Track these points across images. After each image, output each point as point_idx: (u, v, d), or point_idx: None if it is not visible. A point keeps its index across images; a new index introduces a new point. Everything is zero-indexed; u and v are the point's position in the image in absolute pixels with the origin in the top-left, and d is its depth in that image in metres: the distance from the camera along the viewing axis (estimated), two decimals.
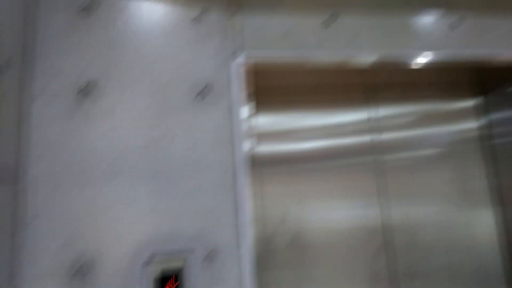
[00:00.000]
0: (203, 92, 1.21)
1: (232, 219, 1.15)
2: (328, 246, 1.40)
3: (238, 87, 1.21)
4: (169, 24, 1.23)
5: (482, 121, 1.58)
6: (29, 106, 1.09)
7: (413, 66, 1.34)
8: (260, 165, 1.43)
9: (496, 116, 1.54)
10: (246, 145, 1.19)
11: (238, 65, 1.23)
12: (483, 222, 1.50)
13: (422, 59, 1.31)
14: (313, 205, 1.42)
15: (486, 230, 1.50)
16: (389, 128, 1.53)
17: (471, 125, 1.58)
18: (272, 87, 1.49)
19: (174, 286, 1.05)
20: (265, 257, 1.37)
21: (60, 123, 1.10)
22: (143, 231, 1.09)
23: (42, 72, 1.12)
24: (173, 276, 1.06)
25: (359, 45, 1.31)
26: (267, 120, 1.47)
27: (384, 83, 1.56)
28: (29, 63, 1.11)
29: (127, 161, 1.11)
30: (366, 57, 1.28)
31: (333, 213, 1.42)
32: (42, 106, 1.10)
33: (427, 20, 1.38)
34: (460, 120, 1.58)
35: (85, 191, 1.07)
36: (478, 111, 1.59)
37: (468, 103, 1.60)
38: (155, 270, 1.05)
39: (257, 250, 1.33)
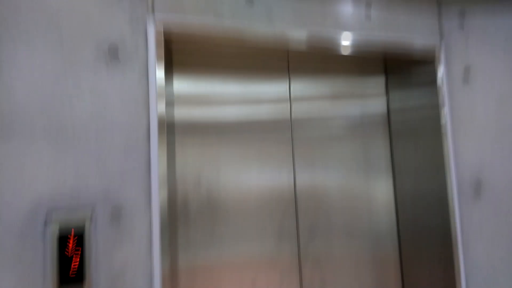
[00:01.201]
0: (114, 51, 1.18)
1: (142, 180, 1.18)
2: (241, 208, 1.49)
3: (153, 48, 1.21)
4: None
5: (388, 97, 1.75)
6: None
7: (330, 47, 1.43)
8: (176, 129, 1.45)
9: (395, 94, 1.71)
10: (161, 108, 1.21)
11: (154, 25, 1.22)
12: (381, 189, 1.69)
13: (342, 41, 1.40)
14: (228, 170, 1.49)
15: (383, 195, 1.69)
16: (305, 98, 1.63)
17: (379, 100, 1.74)
18: (190, 51, 1.49)
19: (75, 244, 1.06)
20: (179, 218, 1.43)
21: None
22: (41, 189, 1.07)
23: None
24: (73, 232, 1.07)
25: (280, 23, 1.36)
26: (184, 84, 1.48)
27: (305, 54, 1.64)
28: None
29: (24, 119, 1.07)
30: (287, 36, 1.34)
31: (246, 177, 1.51)
32: None
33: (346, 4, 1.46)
34: (370, 95, 1.73)
35: None
36: (386, 88, 1.75)
37: (378, 79, 1.75)
38: (54, 228, 1.05)
39: (171, 212, 1.37)
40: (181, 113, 1.46)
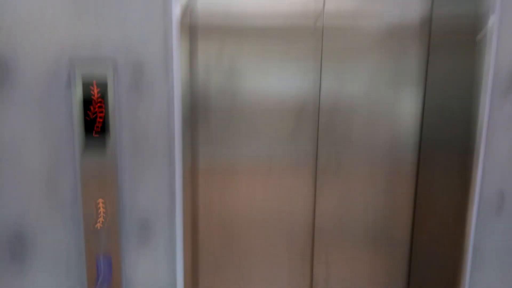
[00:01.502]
0: None
1: (162, 33, 1.13)
2: (263, 109, 1.45)
3: None
4: None
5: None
6: None
7: None
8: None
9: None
10: None
11: None
12: (407, 102, 1.58)
13: None
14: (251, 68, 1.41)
15: (409, 109, 1.59)
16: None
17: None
18: None
19: (98, 92, 1.07)
20: (198, 81, 1.41)
21: None
22: (63, 40, 1.04)
23: None
24: (97, 83, 1.07)
25: None
26: None
27: None
28: None
29: None
30: None
31: (270, 77, 1.43)
32: None
33: None
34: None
35: None
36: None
37: None
38: (78, 75, 1.05)
39: (191, 72, 1.35)
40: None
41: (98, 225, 1.12)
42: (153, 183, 1.19)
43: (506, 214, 1.49)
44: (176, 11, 1.12)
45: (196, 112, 1.41)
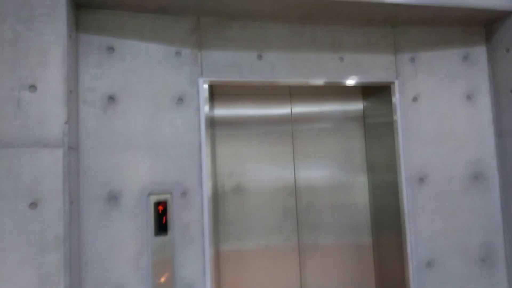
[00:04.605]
0: (181, 98, 2.03)
1: (197, 175, 2.02)
2: (258, 191, 2.30)
3: (203, 95, 2.04)
4: (162, 55, 2.02)
5: (362, 104, 2.47)
6: None
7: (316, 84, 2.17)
8: (217, 139, 2.29)
9: (367, 103, 2.41)
10: (207, 130, 2.04)
11: (202, 81, 2.04)
12: (360, 185, 2.42)
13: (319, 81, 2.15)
14: (248, 163, 2.31)
15: (361, 191, 2.41)
16: (305, 118, 2.39)
17: (357, 107, 2.46)
18: (225, 91, 2.32)
19: (164, 208, 1.94)
20: (218, 197, 2.27)
21: None
22: (145, 179, 1.96)
23: None
24: (162, 202, 1.94)
25: (279, 72, 2.13)
26: (222, 111, 2.32)
27: (299, 88, 2.39)
28: None
29: (136, 139, 1.96)
30: (283, 81, 2.11)
31: (261, 169, 2.32)
32: None
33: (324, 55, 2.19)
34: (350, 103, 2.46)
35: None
36: (363, 103, 2.46)
37: (358, 96, 2.47)
38: (153, 199, 1.94)
39: (213, 193, 2.22)
40: (220, 127, 2.30)
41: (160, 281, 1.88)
42: (192, 260, 1.97)
43: (435, 270, 2.14)
44: (206, 168, 2.03)
45: (217, 207, 2.25)
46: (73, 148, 1.78)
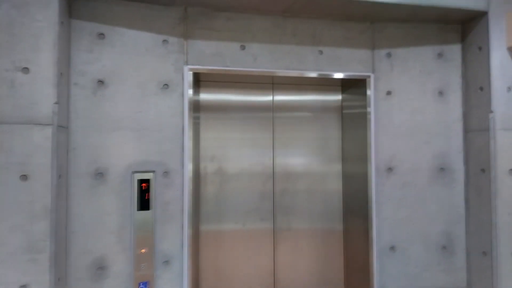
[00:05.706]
0: (167, 85, 2.16)
1: (180, 155, 2.17)
2: (238, 175, 2.45)
3: (187, 81, 2.17)
4: (150, 43, 2.14)
5: (341, 96, 2.61)
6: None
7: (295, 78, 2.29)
8: (201, 122, 2.43)
9: (345, 95, 2.55)
10: (190, 115, 2.17)
11: (187, 70, 2.17)
12: (334, 173, 2.56)
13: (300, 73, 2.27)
14: (231, 148, 2.45)
15: (335, 178, 2.56)
16: (286, 107, 2.53)
17: (335, 98, 2.60)
18: (211, 78, 2.45)
19: (147, 186, 2.09)
20: (200, 178, 2.42)
21: None
22: (130, 159, 2.10)
23: None
24: (146, 180, 2.10)
25: (261, 63, 2.25)
26: (207, 96, 2.45)
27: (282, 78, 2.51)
28: None
29: (123, 121, 2.10)
30: (264, 71, 2.24)
31: (241, 154, 2.46)
32: None
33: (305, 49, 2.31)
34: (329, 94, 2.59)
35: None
36: (342, 95, 2.59)
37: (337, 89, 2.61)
38: (137, 176, 2.09)
39: (195, 174, 2.36)
40: (204, 112, 2.44)
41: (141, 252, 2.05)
42: (171, 235, 2.13)
43: (397, 254, 2.31)
44: (187, 150, 2.18)
45: (198, 188, 2.40)
46: (63, 127, 1.92)
